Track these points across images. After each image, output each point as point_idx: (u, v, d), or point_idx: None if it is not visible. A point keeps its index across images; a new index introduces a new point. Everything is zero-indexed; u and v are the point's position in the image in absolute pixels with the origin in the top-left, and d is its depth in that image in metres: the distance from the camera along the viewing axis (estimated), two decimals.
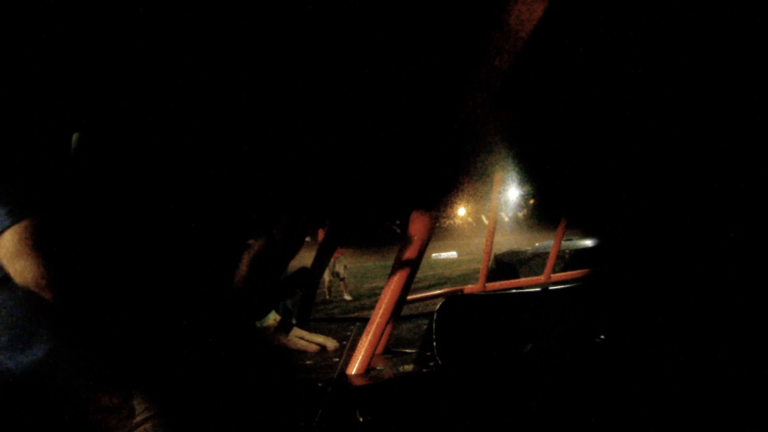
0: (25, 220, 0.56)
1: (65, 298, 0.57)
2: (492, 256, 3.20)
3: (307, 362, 1.14)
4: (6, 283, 0.59)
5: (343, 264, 7.48)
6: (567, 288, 1.38)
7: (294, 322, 1.31)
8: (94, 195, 0.61)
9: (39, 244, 0.56)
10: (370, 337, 1.05)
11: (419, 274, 1.34)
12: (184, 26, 0.66)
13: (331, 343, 1.25)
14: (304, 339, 1.25)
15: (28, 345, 0.59)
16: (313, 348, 1.23)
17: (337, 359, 1.15)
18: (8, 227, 0.55)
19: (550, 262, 2.51)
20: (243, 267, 0.62)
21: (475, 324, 1.20)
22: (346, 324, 1.58)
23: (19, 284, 0.56)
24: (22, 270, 0.55)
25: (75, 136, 0.60)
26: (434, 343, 1.10)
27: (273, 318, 1.27)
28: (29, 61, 0.57)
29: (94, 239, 0.59)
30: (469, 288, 2.31)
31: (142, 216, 0.63)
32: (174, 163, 0.68)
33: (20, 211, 0.56)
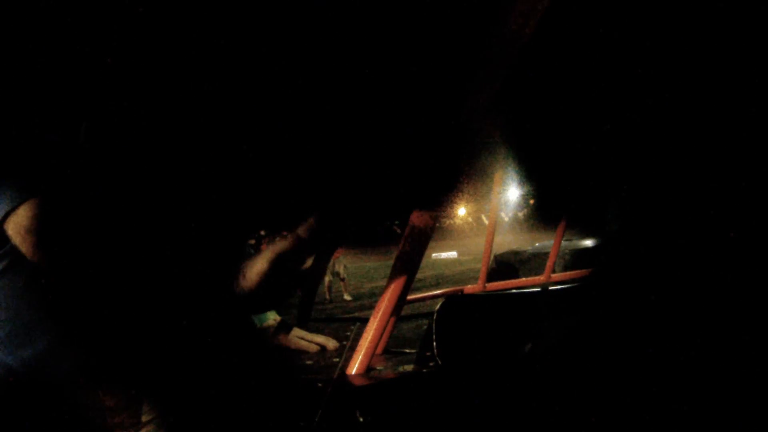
0: (39, 196, 0.55)
1: (78, 276, 0.56)
2: (492, 256, 3.20)
3: (307, 362, 1.14)
4: (8, 271, 0.58)
5: (343, 264, 7.48)
6: (567, 288, 1.38)
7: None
8: (100, 187, 0.60)
9: (53, 220, 0.55)
10: (370, 337, 1.05)
11: (419, 274, 1.34)
12: (191, 23, 0.66)
13: (331, 343, 1.25)
14: (304, 339, 1.25)
15: (29, 339, 0.58)
16: (313, 348, 1.23)
17: (337, 359, 1.15)
18: (22, 203, 0.55)
19: (550, 262, 2.51)
20: (263, 263, 0.61)
21: (475, 324, 1.20)
22: (346, 324, 1.57)
23: (32, 261, 0.55)
24: (35, 245, 0.55)
25: (84, 126, 0.60)
26: (434, 343, 1.10)
27: (273, 318, 1.27)
28: (44, 52, 0.57)
29: (99, 231, 0.58)
30: (469, 288, 2.30)
31: (146, 211, 0.63)
32: (178, 161, 0.68)
33: (34, 187, 0.55)
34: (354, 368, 1.02)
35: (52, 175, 0.57)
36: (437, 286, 7.43)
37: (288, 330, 1.26)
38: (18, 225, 0.54)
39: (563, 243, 3.19)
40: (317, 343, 1.25)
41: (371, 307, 1.16)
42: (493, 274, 3.47)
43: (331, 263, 7.00)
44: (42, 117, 0.59)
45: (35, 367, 0.58)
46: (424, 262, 1.36)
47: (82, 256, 0.56)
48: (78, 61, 0.60)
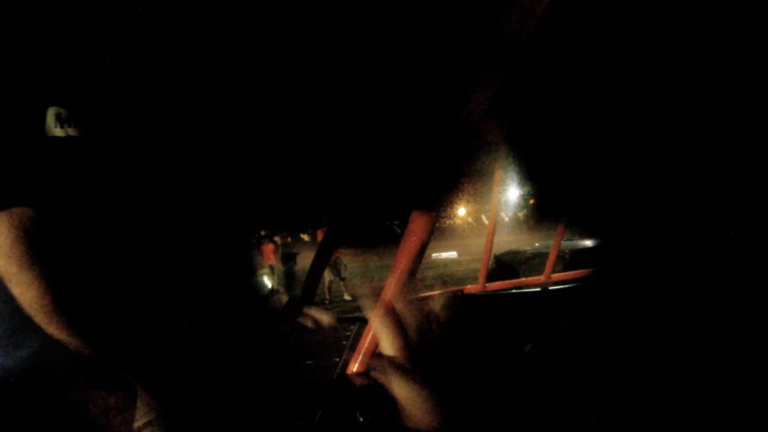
0: (12, 209, 0.53)
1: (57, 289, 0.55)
2: (492, 256, 3.20)
3: (308, 362, 1.14)
4: None
5: (343, 264, 7.48)
6: (567, 288, 1.38)
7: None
8: (85, 184, 0.59)
9: (12, 238, 0.53)
10: (370, 337, 1.05)
11: (419, 275, 1.34)
12: (186, 22, 0.66)
13: (326, 318, 1.19)
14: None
15: (25, 339, 0.57)
16: (308, 323, 1.17)
17: (337, 359, 1.15)
18: None
19: (550, 262, 2.51)
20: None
21: (475, 324, 1.20)
22: (346, 324, 1.57)
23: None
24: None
25: (51, 111, 0.55)
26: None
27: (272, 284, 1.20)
28: (44, 50, 0.56)
29: (90, 234, 0.57)
30: (469, 288, 2.30)
31: (145, 212, 0.63)
32: (174, 160, 0.68)
33: (17, 198, 0.53)
34: (354, 368, 1.02)
35: (19, 187, 0.54)
36: (437, 286, 7.41)
37: (293, 310, 1.21)
38: None
39: (563, 243, 3.19)
40: (312, 317, 1.19)
41: None
42: (493, 274, 3.47)
43: (331, 263, 6.99)
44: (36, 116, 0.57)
45: (32, 368, 0.57)
46: (424, 262, 1.36)
47: (54, 273, 0.54)
48: (78, 59, 0.60)
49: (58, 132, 0.55)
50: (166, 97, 0.68)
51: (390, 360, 0.40)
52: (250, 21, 0.68)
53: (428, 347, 0.43)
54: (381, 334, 0.43)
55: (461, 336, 0.44)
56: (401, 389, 0.40)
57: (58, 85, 0.59)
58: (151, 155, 0.65)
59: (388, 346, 0.42)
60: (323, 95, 0.83)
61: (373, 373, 0.40)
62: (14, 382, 0.57)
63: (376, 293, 0.45)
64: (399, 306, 0.44)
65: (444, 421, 0.40)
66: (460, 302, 0.46)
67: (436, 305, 0.47)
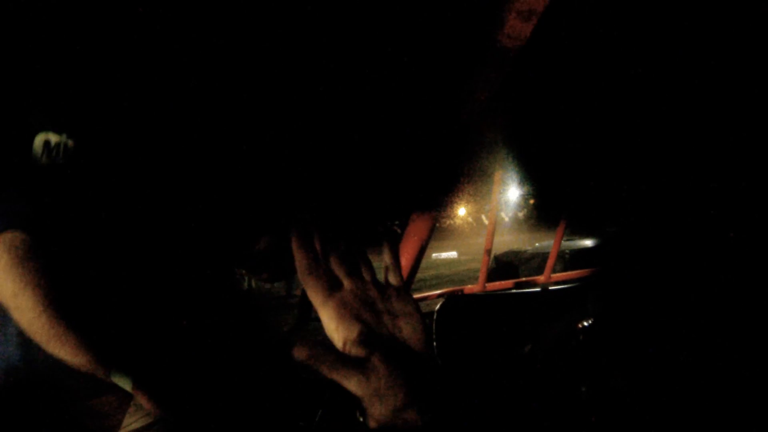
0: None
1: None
2: (492, 256, 3.20)
3: None
4: None
5: None
6: (567, 288, 1.38)
7: None
8: (77, 205, 0.58)
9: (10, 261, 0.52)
10: None
11: (419, 274, 1.34)
12: (184, 23, 0.66)
13: None
14: None
15: (9, 337, 0.56)
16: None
17: None
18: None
19: (550, 262, 2.51)
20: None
21: (475, 324, 1.20)
22: None
23: None
24: None
25: (39, 138, 0.55)
26: (434, 343, 1.10)
27: None
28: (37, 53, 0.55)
29: (83, 254, 0.57)
30: (469, 288, 2.30)
31: (138, 217, 0.63)
32: (172, 162, 0.68)
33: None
34: None
35: (17, 209, 0.53)
36: (437, 286, 7.42)
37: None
38: None
39: (563, 243, 3.20)
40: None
41: None
42: (493, 274, 3.47)
43: None
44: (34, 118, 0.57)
45: (22, 368, 0.56)
46: (424, 262, 1.35)
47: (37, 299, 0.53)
48: (76, 62, 0.60)
49: (44, 161, 0.55)
50: (162, 113, 0.68)
51: (339, 353, 0.34)
52: (249, 22, 0.68)
53: (387, 339, 0.35)
54: (329, 324, 0.36)
55: (424, 330, 0.37)
56: (359, 386, 0.33)
57: (48, 102, 0.58)
58: (144, 168, 0.64)
59: (337, 337, 0.36)
60: (323, 96, 0.83)
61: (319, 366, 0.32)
62: (10, 383, 0.57)
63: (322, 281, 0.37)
64: (347, 294, 0.37)
65: (414, 420, 0.33)
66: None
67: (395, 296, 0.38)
